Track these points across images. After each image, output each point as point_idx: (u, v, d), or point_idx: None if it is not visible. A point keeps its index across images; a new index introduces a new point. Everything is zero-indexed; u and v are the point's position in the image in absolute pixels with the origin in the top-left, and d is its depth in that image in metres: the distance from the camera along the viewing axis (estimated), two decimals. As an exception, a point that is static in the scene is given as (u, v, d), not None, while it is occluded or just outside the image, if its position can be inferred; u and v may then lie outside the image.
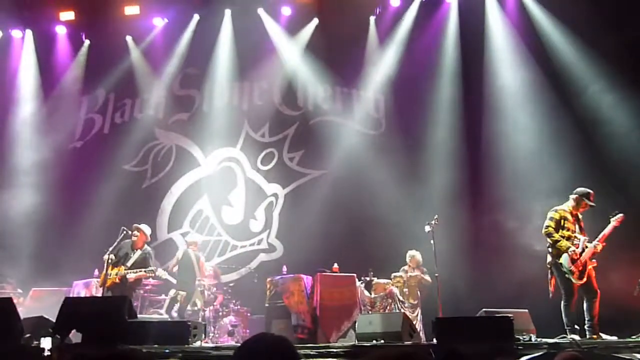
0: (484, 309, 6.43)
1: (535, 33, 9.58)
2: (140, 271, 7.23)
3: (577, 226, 6.31)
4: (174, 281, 8.03)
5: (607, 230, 6.13)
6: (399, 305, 7.79)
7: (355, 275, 7.71)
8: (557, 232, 6.20)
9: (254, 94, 11.28)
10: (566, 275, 6.10)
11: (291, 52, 11.04)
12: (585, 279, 6.05)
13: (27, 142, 10.80)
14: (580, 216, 6.38)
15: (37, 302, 8.22)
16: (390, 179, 9.58)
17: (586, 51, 8.92)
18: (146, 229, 7.70)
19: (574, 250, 6.08)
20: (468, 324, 5.60)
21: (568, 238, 6.19)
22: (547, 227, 6.24)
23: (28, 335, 5.39)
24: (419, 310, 7.97)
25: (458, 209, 8.98)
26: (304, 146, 10.86)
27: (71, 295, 7.94)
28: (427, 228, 7.31)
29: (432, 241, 7.26)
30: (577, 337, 5.80)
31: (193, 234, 9.72)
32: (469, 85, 9.99)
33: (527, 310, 6.54)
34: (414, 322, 7.27)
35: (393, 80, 10.63)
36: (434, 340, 5.44)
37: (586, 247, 6.13)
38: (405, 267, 8.28)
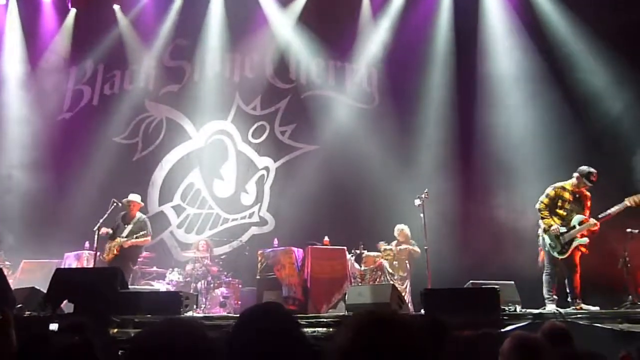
0: (471, 281, 6.55)
1: (531, 10, 9.49)
2: (136, 237, 7.36)
3: (577, 204, 6.31)
4: None
5: (614, 210, 6.12)
6: (388, 277, 7.91)
7: (345, 248, 7.80)
8: (549, 209, 6.29)
9: (245, 66, 11.14)
10: (546, 249, 6.29)
11: (283, 24, 10.86)
12: (567, 255, 6.18)
13: (14, 113, 10.63)
14: (587, 193, 6.36)
15: (28, 274, 8.25)
16: (382, 153, 9.60)
17: (584, 31, 8.86)
18: (136, 197, 7.80)
19: (556, 228, 6.18)
20: (455, 295, 5.73)
21: (561, 217, 6.27)
22: (540, 202, 6.37)
23: (20, 305, 5.43)
24: (408, 283, 8.10)
25: (448, 184, 9.05)
26: (295, 120, 10.80)
27: (62, 267, 7.97)
28: (417, 202, 7.37)
29: (421, 215, 7.32)
30: (553, 307, 5.99)
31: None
32: (463, 60, 9.92)
33: (513, 282, 6.67)
34: (403, 294, 7.39)
35: (386, 54, 10.52)
36: (422, 311, 5.56)
37: (578, 225, 6.19)
38: (395, 242, 8.38)
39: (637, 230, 6.24)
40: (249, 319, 1.61)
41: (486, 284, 6.31)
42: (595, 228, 6.19)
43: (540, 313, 5.62)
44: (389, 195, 9.15)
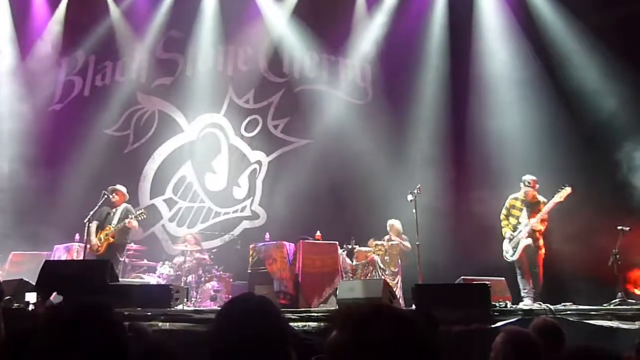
0: (462, 277, 6.58)
1: (525, 8, 9.51)
2: (127, 220, 7.37)
3: (530, 210, 6.76)
4: None
5: (548, 206, 6.57)
6: (380, 272, 7.92)
7: (337, 242, 7.80)
8: (507, 218, 6.95)
9: (238, 59, 11.06)
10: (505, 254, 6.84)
11: (277, 17, 10.80)
12: (518, 256, 6.64)
13: (4, 104, 10.46)
14: (540, 199, 6.77)
15: (17, 267, 8.16)
16: (374, 148, 9.60)
17: (576, 27, 8.89)
18: (122, 188, 7.81)
19: (510, 235, 6.79)
20: (446, 290, 5.76)
21: (514, 224, 6.86)
22: (501, 213, 7.06)
23: (8, 297, 5.36)
24: (399, 278, 8.11)
25: (440, 179, 9.07)
26: (288, 114, 10.76)
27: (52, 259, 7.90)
28: (410, 197, 7.38)
29: (414, 210, 7.33)
30: (529, 302, 6.23)
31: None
32: (457, 56, 9.93)
33: (504, 279, 6.71)
34: (394, 289, 7.41)
35: (380, 49, 10.50)
36: (413, 306, 5.58)
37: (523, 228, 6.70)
38: (386, 237, 8.38)
39: (628, 228, 6.30)
40: (235, 311, 1.61)
41: (477, 279, 6.34)
42: (539, 228, 6.64)
43: (530, 309, 5.66)
44: (381, 190, 9.15)
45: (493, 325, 4.87)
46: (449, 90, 9.84)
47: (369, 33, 10.57)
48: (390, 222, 8.38)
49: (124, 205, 7.70)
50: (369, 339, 1.13)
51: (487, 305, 5.32)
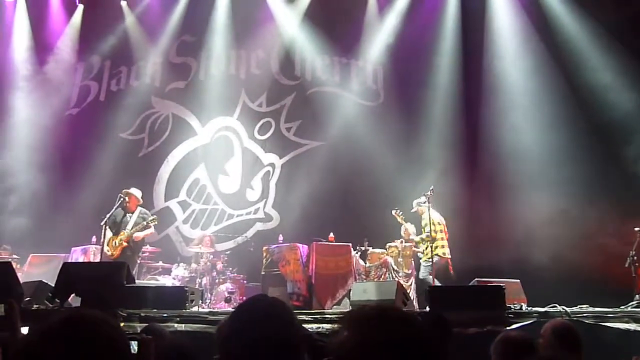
0: (476, 279, 6.54)
1: (539, 6, 9.43)
2: (145, 228, 7.46)
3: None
4: None
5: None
6: (393, 274, 7.90)
7: (350, 244, 7.79)
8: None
9: (251, 62, 11.14)
10: None
11: (289, 20, 10.85)
12: None
13: (22, 109, 10.67)
14: (423, 216, 7.40)
15: (35, 268, 8.30)
16: (387, 150, 9.59)
17: (589, 25, 8.80)
18: (136, 192, 7.81)
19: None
20: (461, 292, 5.73)
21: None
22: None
23: (28, 298, 5.47)
24: (412, 280, 8.08)
25: (454, 181, 9.03)
26: (301, 116, 10.81)
27: (69, 261, 8.01)
28: (423, 199, 7.36)
29: (427, 212, 7.31)
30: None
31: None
32: (470, 57, 9.88)
33: (518, 281, 6.66)
34: (408, 291, 7.39)
35: (392, 51, 10.49)
36: (427, 308, 5.56)
37: None
38: (400, 239, 8.35)
39: (645, 230, 6.22)
40: (247, 312, 1.62)
41: (492, 281, 6.30)
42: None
43: (545, 311, 5.61)
44: (393, 191, 9.13)
45: (508, 328, 4.83)
46: (462, 91, 9.79)
47: (381, 35, 10.57)
48: (404, 225, 8.35)
49: (139, 209, 7.72)
50: (372, 341, 1.13)
51: (502, 308, 5.28)
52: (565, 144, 8.29)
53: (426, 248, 7.36)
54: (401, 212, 7.94)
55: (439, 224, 7.38)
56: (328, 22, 10.63)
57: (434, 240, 7.25)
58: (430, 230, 7.17)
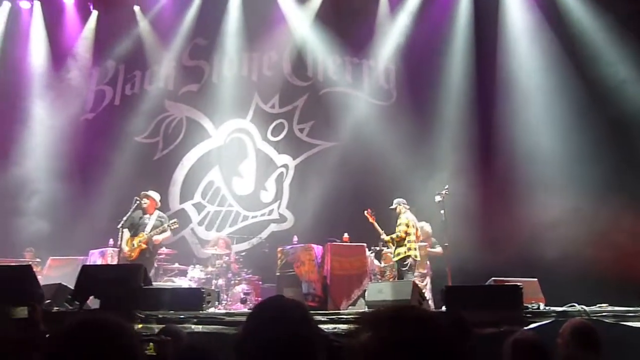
0: (493, 278, 6.48)
1: (552, 0, 9.31)
2: (164, 232, 7.48)
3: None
4: None
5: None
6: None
7: (365, 244, 7.78)
8: None
9: (263, 64, 11.20)
10: None
11: (301, 21, 10.88)
12: None
13: (39, 114, 10.87)
14: (400, 216, 7.44)
15: (54, 271, 8.42)
16: (400, 149, 9.54)
17: (603, 18, 8.67)
18: (155, 194, 7.86)
19: None
20: (477, 292, 5.67)
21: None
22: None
23: (48, 301, 5.56)
24: (428, 280, 8.05)
25: (468, 180, 8.95)
26: (313, 117, 10.82)
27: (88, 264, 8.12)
28: (438, 198, 7.34)
29: (442, 211, 7.28)
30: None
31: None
32: (483, 56, 9.79)
33: (536, 279, 6.57)
34: (424, 291, 7.35)
35: (404, 50, 10.45)
36: (443, 308, 5.52)
37: None
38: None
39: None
40: (259, 309, 1.63)
41: (509, 281, 6.23)
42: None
43: (564, 311, 5.53)
44: (407, 191, 9.07)
45: (525, 328, 4.78)
46: (475, 90, 9.70)
47: (392, 34, 10.54)
48: (419, 224, 8.32)
49: (157, 212, 7.75)
50: (397, 341, 1.13)
51: (520, 307, 5.22)
52: (579, 140, 8.16)
53: (395, 249, 7.35)
54: (374, 212, 7.95)
55: (413, 226, 7.35)
56: (339, 22, 10.63)
57: (403, 240, 7.22)
58: (401, 231, 7.26)
